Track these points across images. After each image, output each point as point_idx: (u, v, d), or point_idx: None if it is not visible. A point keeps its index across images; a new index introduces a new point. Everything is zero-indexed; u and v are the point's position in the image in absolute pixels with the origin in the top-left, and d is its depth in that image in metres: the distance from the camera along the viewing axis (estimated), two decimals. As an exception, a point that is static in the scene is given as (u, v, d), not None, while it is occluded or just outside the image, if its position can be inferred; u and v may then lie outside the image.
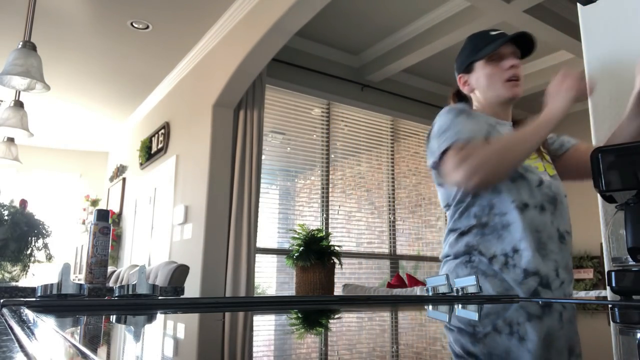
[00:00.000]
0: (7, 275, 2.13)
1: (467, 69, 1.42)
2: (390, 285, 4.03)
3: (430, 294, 0.99)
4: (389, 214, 5.08)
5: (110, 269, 3.64)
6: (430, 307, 0.91)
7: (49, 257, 2.26)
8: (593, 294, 2.46)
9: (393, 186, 5.15)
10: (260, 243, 4.04)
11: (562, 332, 0.57)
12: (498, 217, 1.26)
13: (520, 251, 1.21)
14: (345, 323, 0.69)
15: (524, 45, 1.39)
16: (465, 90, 1.44)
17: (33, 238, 2.20)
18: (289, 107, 4.58)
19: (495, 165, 1.20)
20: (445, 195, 1.38)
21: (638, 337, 0.52)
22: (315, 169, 4.69)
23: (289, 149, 4.60)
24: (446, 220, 1.58)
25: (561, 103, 1.19)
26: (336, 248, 3.63)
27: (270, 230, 4.35)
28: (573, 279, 1.32)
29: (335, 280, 3.59)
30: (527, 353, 0.40)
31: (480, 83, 1.38)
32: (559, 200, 1.31)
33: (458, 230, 1.32)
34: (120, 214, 5.88)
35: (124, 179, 5.98)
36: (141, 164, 5.29)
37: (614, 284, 0.97)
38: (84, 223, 6.52)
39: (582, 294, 2.55)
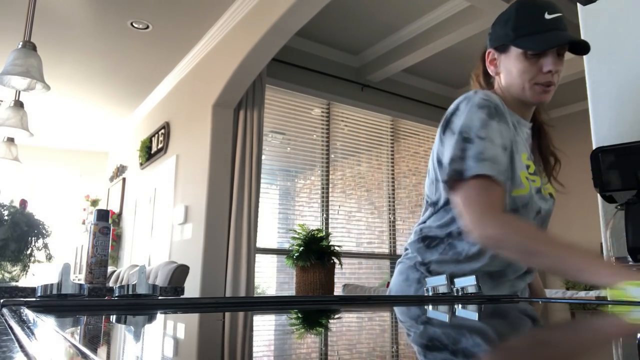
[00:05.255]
0: (7, 275, 2.13)
1: (502, 47, 1.21)
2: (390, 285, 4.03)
3: (430, 294, 0.99)
4: (389, 214, 5.08)
5: (110, 269, 3.64)
6: (430, 307, 0.91)
7: (49, 257, 2.26)
8: (593, 294, 2.46)
9: (393, 186, 5.15)
10: (260, 243, 4.03)
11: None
12: (467, 245, 1.16)
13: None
14: (345, 323, 0.69)
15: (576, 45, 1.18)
16: (490, 69, 1.25)
17: (33, 238, 2.20)
18: (289, 107, 4.58)
19: (514, 253, 1.09)
20: (438, 192, 1.22)
21: (638, 337, 0.52)
22: (315, 169, 4.69)
23: (289, 149, 4.60)
24: None
25: (606, 281, 0.99)
26: (336, 248, 3.63)
27: (270, 230, 4.35)
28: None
29: (335, 280, 3.59)
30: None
31: (509, 73, 1.19)
32: (544, 227, 1.22)
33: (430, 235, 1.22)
34: (120, 214, 5.88)
35: (124, 179, 5.98)
36: (141, 164, 5.29)
37: (614, 284, 0.97)
38: (84, 223, 6.52)
39: (582, 294, 2.54)
